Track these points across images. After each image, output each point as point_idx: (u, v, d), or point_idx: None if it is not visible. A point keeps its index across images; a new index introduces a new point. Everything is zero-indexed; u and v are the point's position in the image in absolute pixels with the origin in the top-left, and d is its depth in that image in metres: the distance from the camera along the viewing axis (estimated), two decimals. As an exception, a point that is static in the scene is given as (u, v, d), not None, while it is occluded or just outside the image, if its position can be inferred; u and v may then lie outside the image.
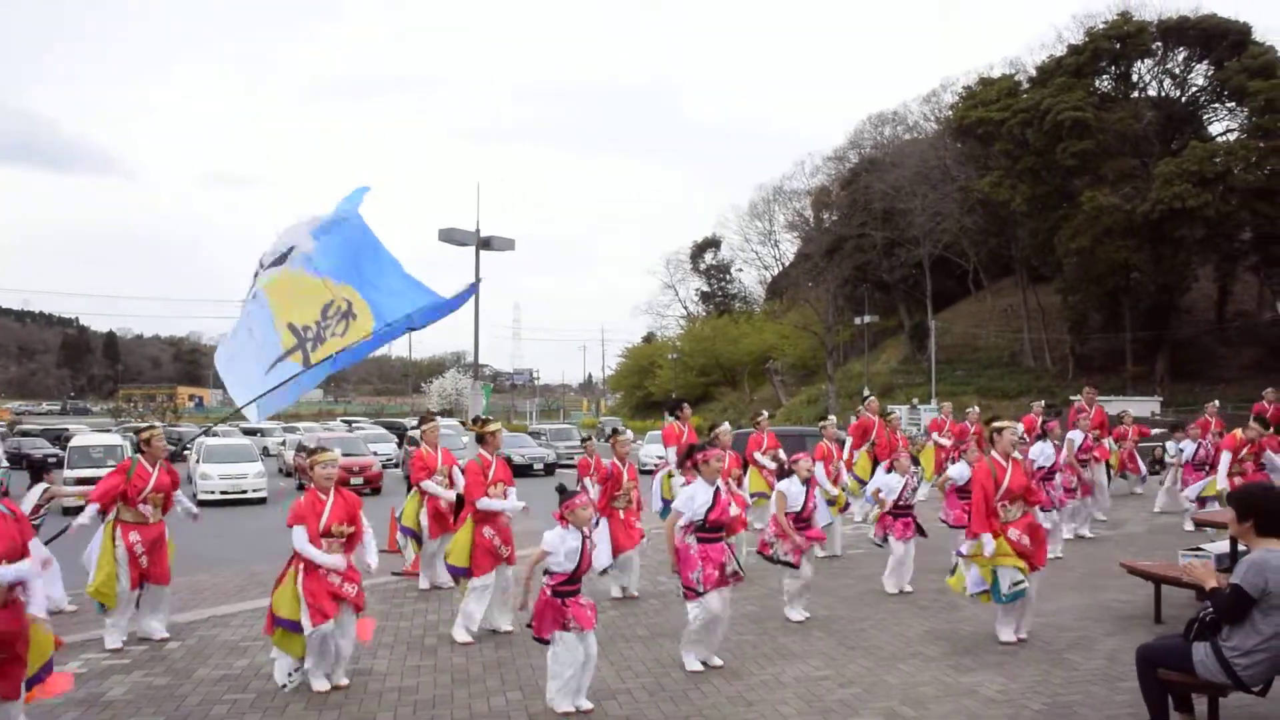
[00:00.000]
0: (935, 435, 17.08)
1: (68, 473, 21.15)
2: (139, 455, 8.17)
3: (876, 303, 60.54)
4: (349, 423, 52.55)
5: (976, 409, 16.88)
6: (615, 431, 10.35)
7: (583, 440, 12.81)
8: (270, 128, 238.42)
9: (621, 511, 9.61)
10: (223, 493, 21.95)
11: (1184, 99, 47.96)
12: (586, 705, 6.16)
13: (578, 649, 6.04)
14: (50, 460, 18.15)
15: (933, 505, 13.76)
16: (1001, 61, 62.31)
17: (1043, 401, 15.40)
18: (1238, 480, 10.94)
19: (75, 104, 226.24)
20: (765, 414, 13.45)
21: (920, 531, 9.95)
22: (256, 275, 7.88)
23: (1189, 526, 13.00)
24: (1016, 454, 7.89)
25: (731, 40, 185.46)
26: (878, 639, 8.00)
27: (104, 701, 6.52)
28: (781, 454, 8.44)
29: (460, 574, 8.12)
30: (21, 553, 5.11)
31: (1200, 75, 47.29)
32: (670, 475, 11.34)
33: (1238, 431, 11.76)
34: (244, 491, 22.51)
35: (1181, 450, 13.86)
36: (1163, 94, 48.14)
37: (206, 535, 15.60)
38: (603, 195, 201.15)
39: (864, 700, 6.35)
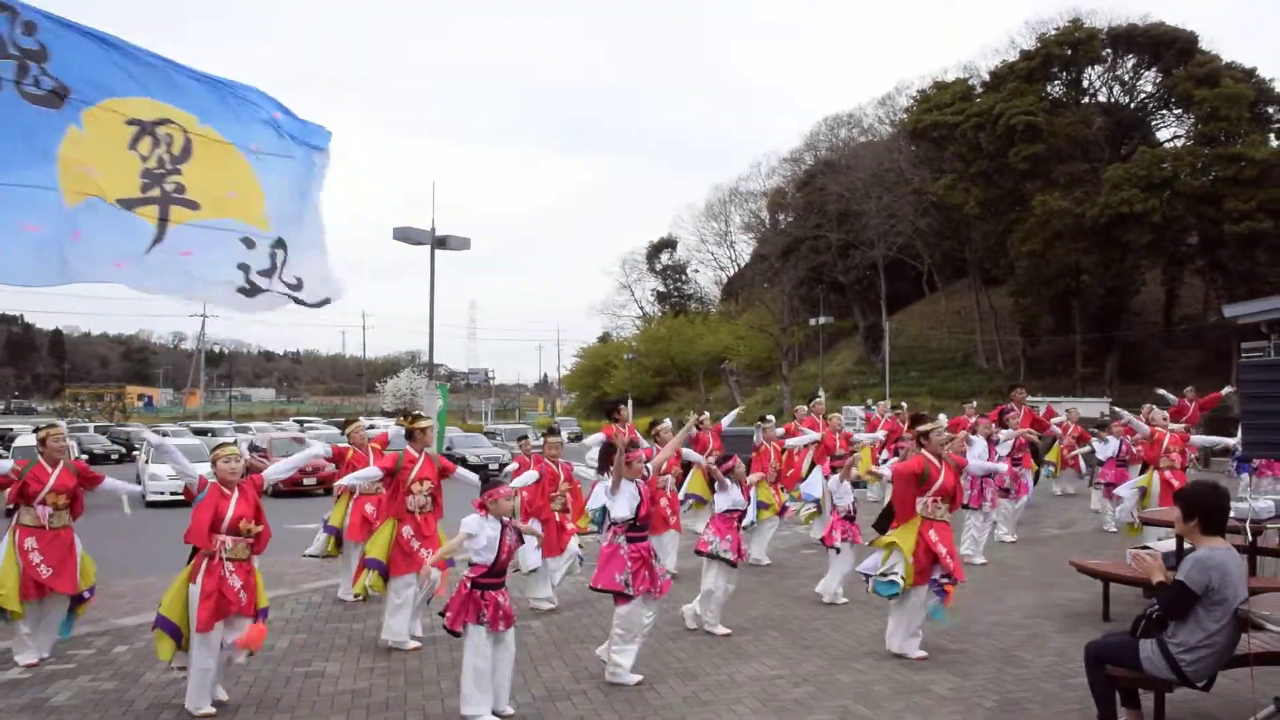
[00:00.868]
0: (867, 435, 17.10)
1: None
2: (39, 455, 7.73)
3: (832, 304, 60.80)
4: (301, 422, 52.00)
5: (905, 405, 16.90)
6: (550, 431, 10.27)
7: (519, 439, 12.66)
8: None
9: (557, 514, 9.46)
10: (173, 493, 21.54)
11: (1133, 105, 48.73)
12: (508, 710, 6.00)
13: (486, 647, 5.85)
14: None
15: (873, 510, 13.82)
16: (955, 65, 62.94)
17: (975, 402, 15.61)
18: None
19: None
20: (705, 415, 12.97)
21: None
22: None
23: (1111, 527, 13.35)
24: (952, 451, 7.84)
25: (688, 41, 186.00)
26: (831, 638, 8.06)
27: (49, 707, 6.38)
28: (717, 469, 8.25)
29: (377, 567, 7.83)
30: None
31: (1149, 82, 48.03)
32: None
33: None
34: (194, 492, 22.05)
35: (1107, 443, 14.11)
36: (1112, 100, 48.84)
37: (156, 536, 15.33)
38: (559, 194, 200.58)
39: (818, 699, 6.38)
